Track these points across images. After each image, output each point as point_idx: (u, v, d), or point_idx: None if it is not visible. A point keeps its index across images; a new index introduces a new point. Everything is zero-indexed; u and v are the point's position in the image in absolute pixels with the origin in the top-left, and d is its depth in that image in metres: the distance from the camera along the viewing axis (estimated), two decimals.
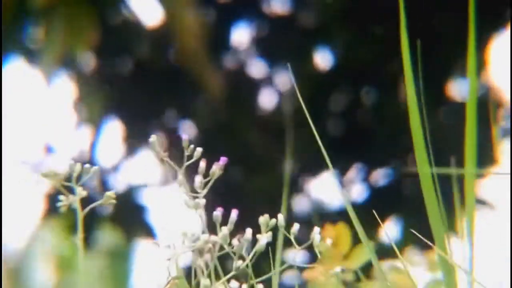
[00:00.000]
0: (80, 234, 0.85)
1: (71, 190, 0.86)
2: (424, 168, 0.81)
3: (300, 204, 4.01)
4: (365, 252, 1.02)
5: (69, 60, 3.65)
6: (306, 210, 4.00)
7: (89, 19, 3.38)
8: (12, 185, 3.81)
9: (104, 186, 3.97)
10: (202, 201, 0.81)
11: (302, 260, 0.84)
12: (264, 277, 0.80)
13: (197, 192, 0.82)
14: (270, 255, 0.86)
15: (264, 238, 0.79)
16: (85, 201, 0.87)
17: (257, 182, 3.98)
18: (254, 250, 0.79)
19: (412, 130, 0.83)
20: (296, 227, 0.81)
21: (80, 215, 0.85)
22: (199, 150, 0.85)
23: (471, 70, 0.82)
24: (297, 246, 0.81)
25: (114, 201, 0.87)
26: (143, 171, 4.07)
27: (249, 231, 0.79)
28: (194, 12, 3.64)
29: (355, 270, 1.03)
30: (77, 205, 0.85)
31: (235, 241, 0.79)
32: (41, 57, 3.44)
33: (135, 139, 4.06)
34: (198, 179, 0.82)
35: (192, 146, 0.85)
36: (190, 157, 0.84)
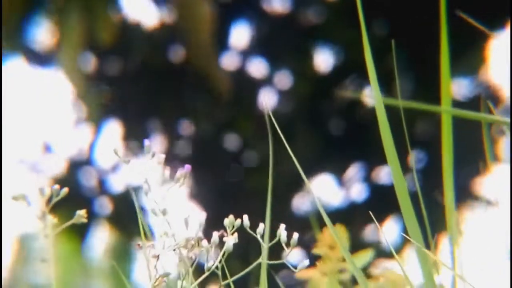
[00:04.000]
0: (50, 260, 0.85)
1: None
2: (396, 170, 0.82)
3: (300, 204, 4.00)
4: (363, 257, 1.02)
5: (68, 60, 3.66)
6: (306, 210, 4.00)
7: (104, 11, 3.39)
8: (10, 185, 3.81)
9: (103, 186, 3.97)
10: (168, 208, 0.81)
11: (299, 260, 0.84)
12: (235, 277, 0.81)
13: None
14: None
15: (231, 239, 0.80)
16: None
17: (257, 182, 3.98)
18: (222, 252, 0.80)
19: (381, 133, 0.84)
20: (261, 227, 0.82)
21: (51, 240, 0.84)
22: (162, 156, 0.84)
23: (444, 71, 0.83)
24: (263, 244, 0.82)
25: (85, 220, 0.86)
26: (142, 171, 4.06)
27: (215, 234, 0.80)
28: (205, 7, 3.65)
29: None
30: (48, 231, 0.84)
31: (204, 243, 0.79)
32: (60, 52, 3.45)
33: (134, 139, 4.06)
34: (162, 186, 0.82)
35: (153, 151, 0.84)
36: (154, 163, 0.84)
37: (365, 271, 1.03)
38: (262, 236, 0.82)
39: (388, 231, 3.87)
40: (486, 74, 3.82)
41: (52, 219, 0.85)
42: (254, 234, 0.82)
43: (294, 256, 0.81)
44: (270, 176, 0.91)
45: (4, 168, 3.75)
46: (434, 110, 0.76)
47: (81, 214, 0.86)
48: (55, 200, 0.85)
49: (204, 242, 0.80)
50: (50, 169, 4.04)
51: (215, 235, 0.80)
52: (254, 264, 0.82)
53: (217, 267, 0.80)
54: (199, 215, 0.80)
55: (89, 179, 3.96)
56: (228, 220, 0.82)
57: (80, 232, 3.74)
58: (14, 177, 4.02)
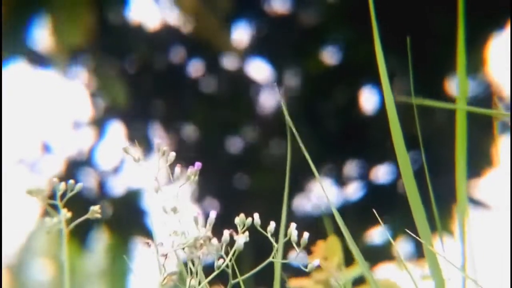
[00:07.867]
0: (65, 253, 0.85)
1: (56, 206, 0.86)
2: (406, 169, 0.82)
3: (300, 204, 4.01)
4: (357, 269, 1.03)
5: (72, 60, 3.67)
6: (306, 210, 4.00)
7: (88, 13, 3.39)
8: (11, 185, 3.81)
9: (103, 188, 3.96)
10: (179, 206, 0.80)
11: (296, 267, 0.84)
12: (245, 276, 0.80)
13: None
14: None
15: (241, 238, 0.80)
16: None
17: (259, 183, 3.98)
18: (233, 250, 0.80)
19: (392, 132, 0.84)
20: (272, 225, 0.82)
21: (65, 233, 0.85)
22: (173, 154, 0.84)
23: (461, 68, 0.83)
24: (275, 243, 0.82)
25: (99, 216, 0.87)
26: (142, 173, 4.05)
27: (226, 232, 0.80)
28: None
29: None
30: (62, 226, 0.84)
31: (214, 241, 0.79)
32: (53, 51, 3.45)
33: (135, 141, 4.06)
34: (174, 184, 0.82)
35: (164, 149, 0.84)
36: (164, 161, 0.84)
37: (361, 279, 1.03)
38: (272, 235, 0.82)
39: (384, 231, 3.87)
40: (486, 73, 3.82)
41: (66, 213, 0.85)
42: (265, 233, 0.82)
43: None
44: (287, 171, 0.90)
45: (4, 169, 3.76)
46: (448, 107, 0.75)
47: (95, 210, 0.86)
48: (69, 194, 0.86)
49: (214, 241, 0.80)
50: (49, 170, 4.04)
51: (226, 233, 0.80)
52: (265, 263, 0.82)
53: (227, 266, 0.80)
54: (209, 214, 0.80)
55: (89, 181, 3.95)
56: (239, 219, 0.82)
57: (80, 235, 3.73)
58: (14, 177, 4.03)
